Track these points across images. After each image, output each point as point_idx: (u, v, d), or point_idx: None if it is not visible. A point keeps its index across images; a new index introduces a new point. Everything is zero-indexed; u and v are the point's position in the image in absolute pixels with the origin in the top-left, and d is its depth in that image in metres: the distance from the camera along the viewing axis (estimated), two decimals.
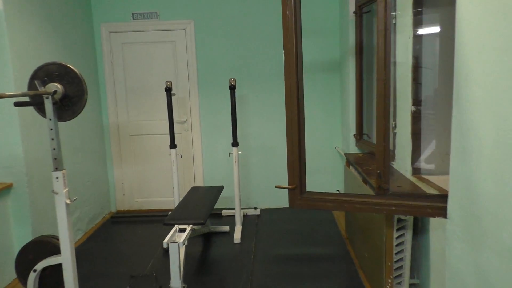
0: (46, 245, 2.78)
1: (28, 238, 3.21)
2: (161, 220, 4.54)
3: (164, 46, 4.64)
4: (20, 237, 3.22)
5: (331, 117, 4.70)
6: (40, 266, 2.71)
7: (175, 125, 4.74)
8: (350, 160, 3.66)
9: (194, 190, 3.98)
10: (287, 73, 2.12)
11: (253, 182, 4.82)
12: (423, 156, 2.82)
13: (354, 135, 4.07)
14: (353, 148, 4.12)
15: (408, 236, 2.48)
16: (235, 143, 4.04)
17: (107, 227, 4.41)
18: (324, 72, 4.62)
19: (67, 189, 2.62)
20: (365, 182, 3.04)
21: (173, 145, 4.05)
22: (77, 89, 2.61)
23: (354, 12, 3.86)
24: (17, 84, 3.12)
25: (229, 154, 4.71)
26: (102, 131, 4.72)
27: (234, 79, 3.91)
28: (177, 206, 3.48)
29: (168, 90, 3.92)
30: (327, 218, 4.41)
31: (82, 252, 3.75)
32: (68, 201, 2.60)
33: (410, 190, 2.47)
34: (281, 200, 4.82)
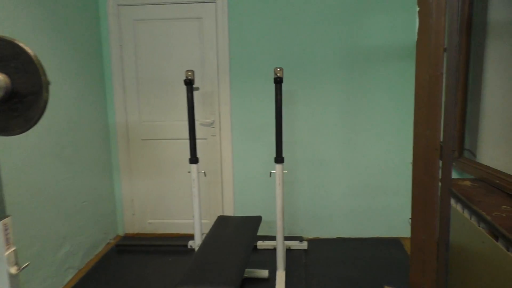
0: None
1: None
2: (178, 251, 3.49)
3: (188, 24, 3.54)
4: None
5: (403, 119, 3.49)
6: None
7: (200, 128, 3.66)
8: (455, 192, 2.47)
9: (222, 222, 2.89)
10: (421, 48, 0.96)
11: (298, 205, 3.69)
12: None
13: None
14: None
15: None
16: (279, 159, 2.87)
17: (110, 258, 3.40)
18: (396, 59, 3.41)
19: (13, 248, 1.58)
20: (494, 235, 1.86)
21: (193, 159, 2.96)
22: (31, 82, 1.55)
23: None
24: None
25: (270, 173, 3.58)
26: (108, 134, 3.70)
27: (281, 69, 2.77)
28: (195, 255, 2.40)
29: (189, 83, 2.83)
30: (399, 258, 3.23)
31: None
32: (13, 271, 1.56)
33: None
34: (334, 228, 3.67)
